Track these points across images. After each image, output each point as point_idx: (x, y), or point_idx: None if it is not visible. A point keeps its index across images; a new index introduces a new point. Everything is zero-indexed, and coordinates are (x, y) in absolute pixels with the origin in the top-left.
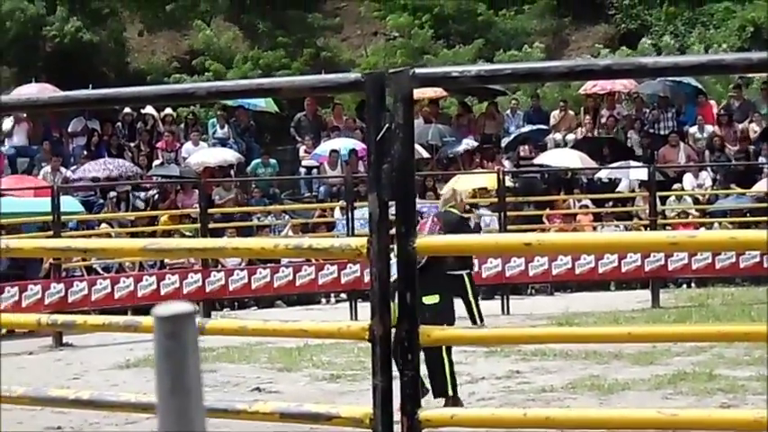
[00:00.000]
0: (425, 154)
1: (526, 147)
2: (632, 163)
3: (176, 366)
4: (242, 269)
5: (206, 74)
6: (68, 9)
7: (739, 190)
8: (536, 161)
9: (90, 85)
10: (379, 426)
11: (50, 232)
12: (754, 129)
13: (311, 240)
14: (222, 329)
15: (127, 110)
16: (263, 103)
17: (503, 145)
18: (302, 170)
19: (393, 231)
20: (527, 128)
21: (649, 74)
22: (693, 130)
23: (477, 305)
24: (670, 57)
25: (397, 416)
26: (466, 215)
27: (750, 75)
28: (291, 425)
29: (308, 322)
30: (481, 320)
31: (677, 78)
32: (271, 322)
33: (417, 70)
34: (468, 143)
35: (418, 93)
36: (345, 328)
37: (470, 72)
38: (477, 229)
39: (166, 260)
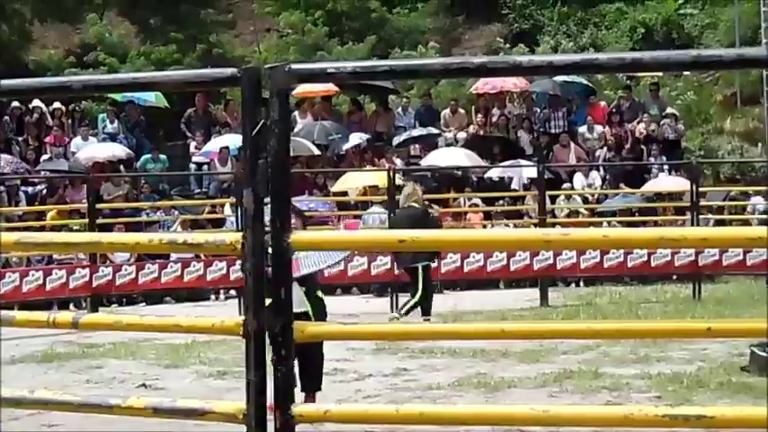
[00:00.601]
0: (316, 151)
1: (417, 146)
2: (522, 162)
3: None
4: (130, 264)
5: (100, 68)
6: None
7: (627, 189)
8: (425, 161)
9: None
10: (252, 421)
11: None
12: (641, 130)
13: (186, 235)
14: (96, 323)
15: (15, 103)
16: (153, 98)
17: (393, 143)
18: (192, 166)
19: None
20: (418, 131)
21: (524, 72)
22: (583, 129)
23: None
24: (544, 56)
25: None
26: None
27: (638, 75)
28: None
29: (183, 317)
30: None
31: (568, 78)
32: (146, 317)
33: (293, 66)
34: (359, 138)
35: (309, 90)
36: (219, 323)
37: (347, 68)
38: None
39: (54, 255)
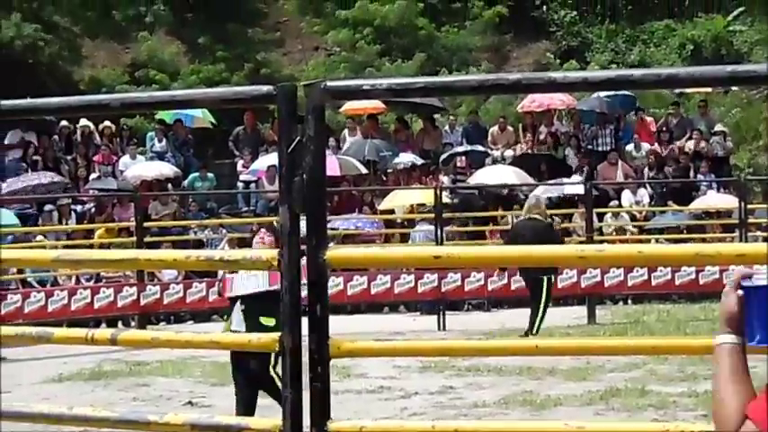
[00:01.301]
0: (364, 170)
1: (463, 158)
2: (567, 180)
3: None
4: (177, 283)
5: (152, 86)
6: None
7: (675, 207)
8: (474, 178)
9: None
10: None
11: None
12: (690, 146)
13: (223, 252)
14: (133, 341)
15: (63, 122)
16: (201, 115)
17: (441, 159)
18: (240, 184)
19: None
20: (464, 147)
21: (559, 89)
22: (630, 147)
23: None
24: (579, 72)
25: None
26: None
27: (688, 91)
28: None
29: (220, 334)
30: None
31: (614, 93)
32: (183, 333)
33: (329, 83)
34: (410, 159)
35: (358, 107)
36: (256, 339)
37: (382, 85)
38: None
39: (102, 273)
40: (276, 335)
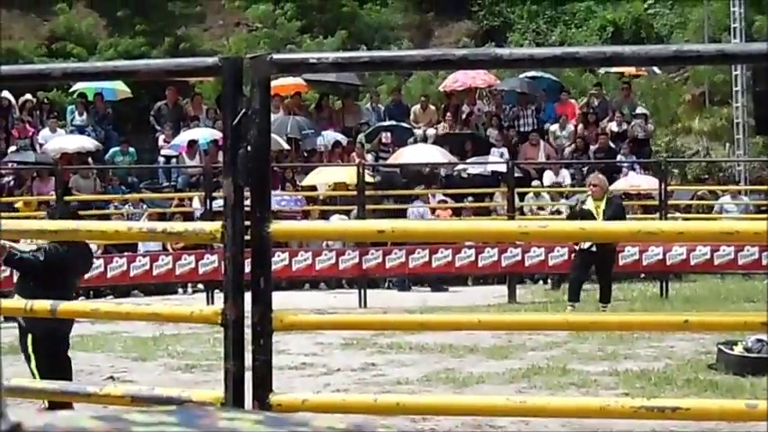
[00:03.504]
0: (286, 146)
1: (388, 134)
2: (490, 158)
3: None
4: (98, 257)
5: (69, 59)
6: None
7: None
8: (399, 157)
9: None
10: None
11: None
12: (613, 128)
13: (165, 224)
14: (75, 312)
15: None
16: (124, 87)
17: (362, 136)
18: (161, 159)
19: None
20: (387, 122)
21: (504, 65)
22: (554, 127)
23: None
24: (525, 49)
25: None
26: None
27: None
28: None
29: (162, 306)
30: None
31: (535, 74)
32: (124, 305)
33: (275, 56)
34: (333, 137)
35: (281, 84)
36: (198, 312)
37: (328, 59)
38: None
39: None
40: (219, 307)
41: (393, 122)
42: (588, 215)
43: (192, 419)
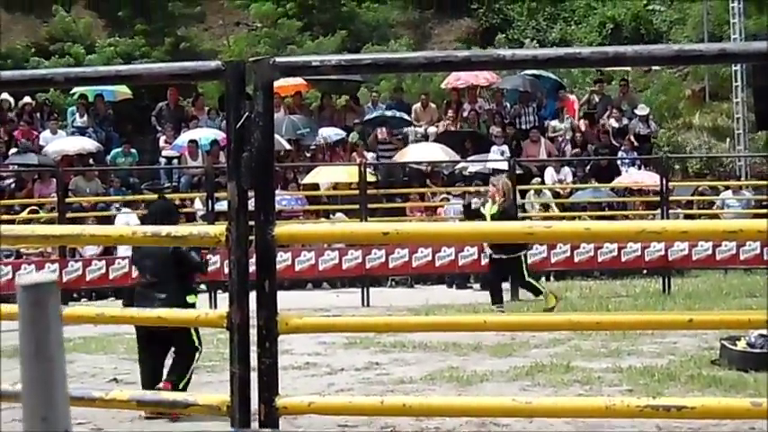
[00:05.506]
0: (287, 146)
1: (383, 129)
2: (491, 156)
3: (40, 333)
4: (100, 259)
5: (65, 58)
6: None
7: (598, 185)
8: (401, 156)
9: None
10: (237, 413)
11: None
12: (613, 125)
13: (169, 228)
14: (80, 317)
15: None
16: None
17: (354, 134)
18: (162, 160)
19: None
20: (389, 112)
21: (507, 66)
22: (554, 122)
23: None
24: (528, 49)
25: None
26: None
27: (609, 70)
28: None
29: (166, 310)
30: None
31: (537, 73)
32: (128, 310)
33: (278, 59)
34: (331, 133)
35: (282, 84)
36: (204, 315)
37: (331, 61)
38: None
39: (23, 249)
40: (224, 311)
41: (393, 113)
42: (481, 216)
43: None
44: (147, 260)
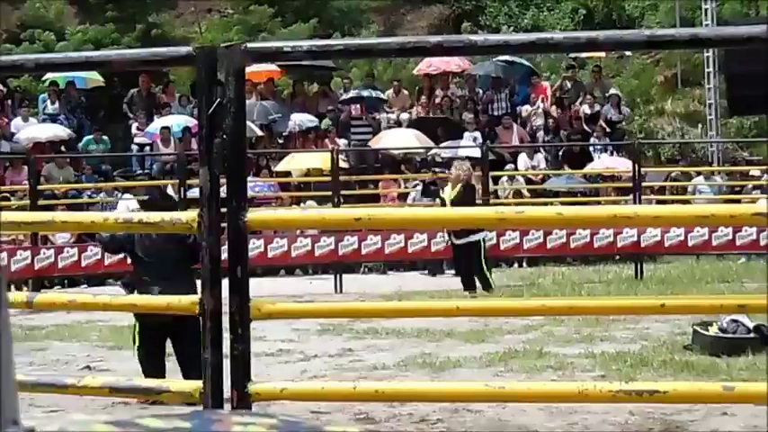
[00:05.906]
0: (259, 132)
1: (357, 106)
2: (463, 142)
3: None
4: (72, 246)
5: (35, 44)
6: None
7: (570, 171)
8: (375, 143)
9: None
10: (209, 399)
11: None
12: (585, 111)
13: (141, 214)
14: (52, 303)
15: None
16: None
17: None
18: (134, 147)
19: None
20: (365, 92)
21: (479, 51)
22: (525, 107)
23: None
24: (500, 35)
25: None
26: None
27: (583, 55)
28: None
29: (139, 296)
30: None
31: (510, 59)
32: (100, 296)
33: (249, 45)
34: (302, 119)
35: (255, 70)
36: (176, 302)
37: (302, 47)
38: None
39: None
40: (195, 297)
41: (366, 93)
42: (441, 199)
43: (205, 425)
44: (161, 254)
